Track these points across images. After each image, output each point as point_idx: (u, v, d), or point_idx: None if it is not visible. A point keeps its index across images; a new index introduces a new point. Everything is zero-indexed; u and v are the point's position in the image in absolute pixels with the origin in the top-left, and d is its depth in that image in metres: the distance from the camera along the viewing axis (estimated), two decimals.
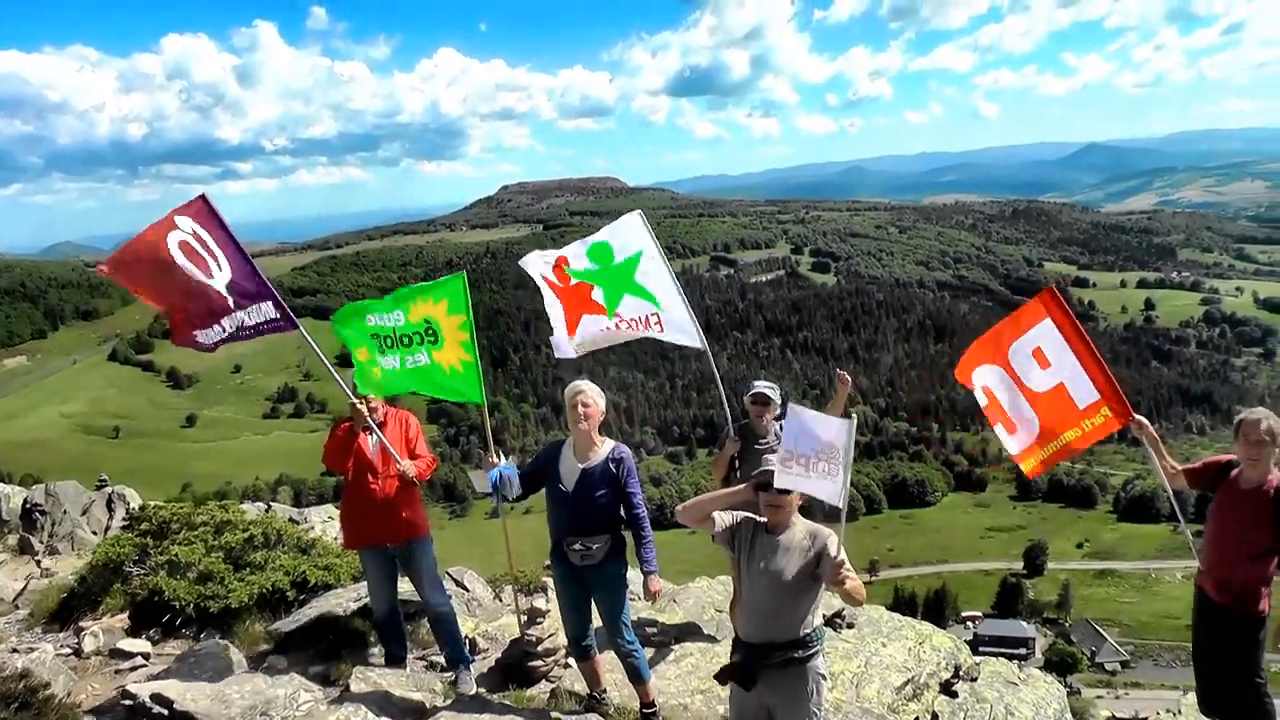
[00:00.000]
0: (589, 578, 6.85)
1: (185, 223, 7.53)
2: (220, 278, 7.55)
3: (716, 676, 5.57)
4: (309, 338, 8.01)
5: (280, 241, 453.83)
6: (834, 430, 5.19)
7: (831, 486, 5.14)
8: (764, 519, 5.40)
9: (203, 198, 7.66)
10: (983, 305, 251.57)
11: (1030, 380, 7.88)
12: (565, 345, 8.38)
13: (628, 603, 7.08)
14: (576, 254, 8.37)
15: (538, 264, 8.48)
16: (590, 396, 6.79)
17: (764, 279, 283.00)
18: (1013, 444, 8.15)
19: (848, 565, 5.04)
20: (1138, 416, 7.42)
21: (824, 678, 5.43)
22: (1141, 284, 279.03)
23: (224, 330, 7.62)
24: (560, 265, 8.38)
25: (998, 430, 8.26)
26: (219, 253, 7.53)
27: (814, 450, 5.19)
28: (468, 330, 7.62)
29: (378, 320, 7.75)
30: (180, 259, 7.47)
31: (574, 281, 8.35)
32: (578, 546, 6.70)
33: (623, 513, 6.85)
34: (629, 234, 8.32)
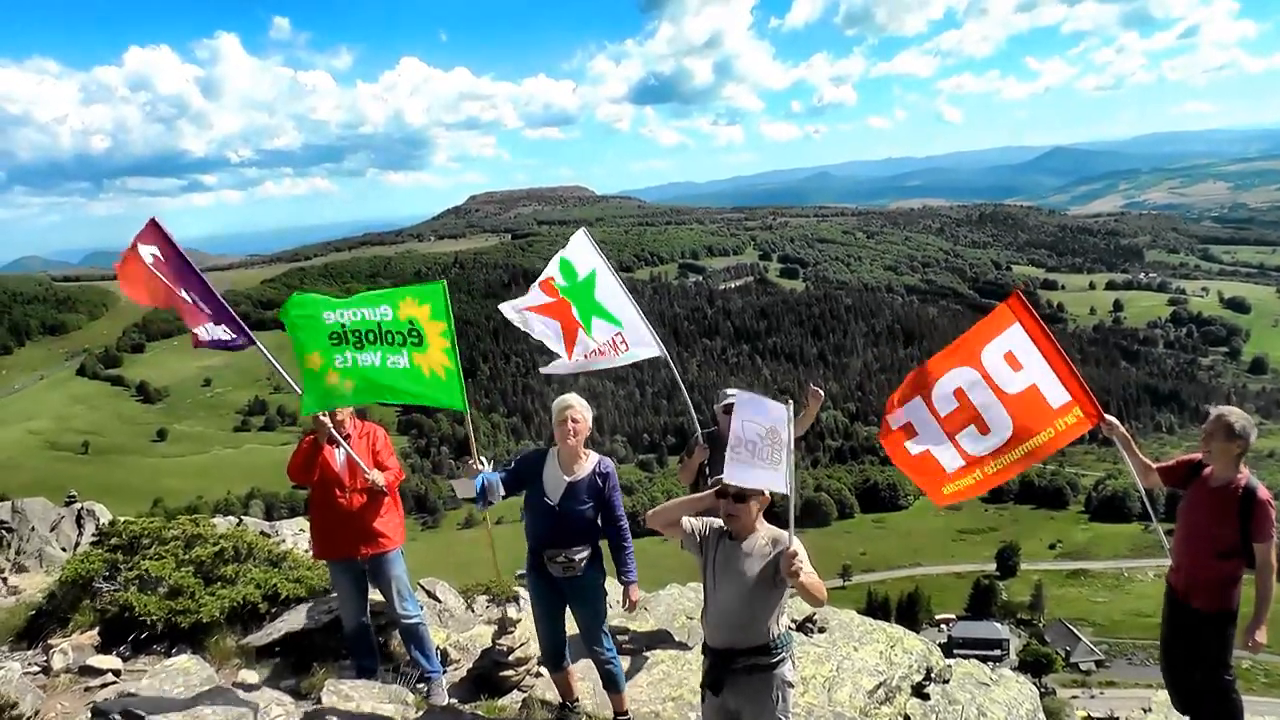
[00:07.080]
0: (567, 589, 6.85)
1: (146, 249, 7.59)
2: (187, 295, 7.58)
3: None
4: (268, 354, 7.82)
5: (248, 254, 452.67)
6: (774, 414, 5.18)
7: (775, 475, 5.13)
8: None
9: (152, 221, 7.66)
10: (952, 309, 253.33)
11: (1004, 383, 7.87)
12: (562, 364, 8.21)
13: (606, 612, 7.09)
14: (554, 270, 8.34)
15: (514, 308, 8.39)
16: (580, 411, 6.78)
17: (732, 286, 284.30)
18: (953, 459, 8.06)
19: (801, 555, 5.02)
20: (1108, 417, 7.39)
21: (790, 684, 5.43)
22: (1109, 285, 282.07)
23: (208, 334, 7.62)
24: (548, 282, 8.33)
25: (960, 440, 8.15)
26: (177, 274, 7.57)
27: (759, 435, 5.17)
28: (449, 338, 7.38)
29: (347, 317, 7.44)
30: (159, 273, 7.53)
31: (560, 296, 8.29)
32: (560, 559, 6.69)
33: (601, 522, 6.86)
34: (581, 252, 8.31)
